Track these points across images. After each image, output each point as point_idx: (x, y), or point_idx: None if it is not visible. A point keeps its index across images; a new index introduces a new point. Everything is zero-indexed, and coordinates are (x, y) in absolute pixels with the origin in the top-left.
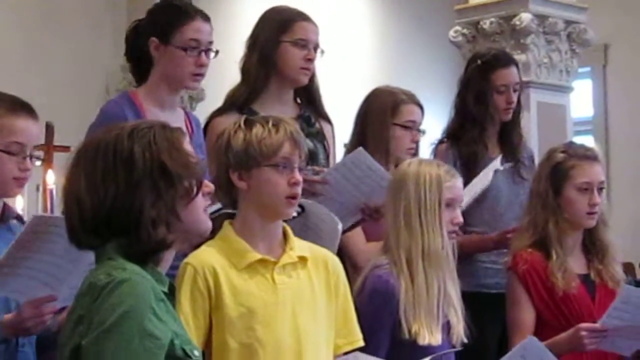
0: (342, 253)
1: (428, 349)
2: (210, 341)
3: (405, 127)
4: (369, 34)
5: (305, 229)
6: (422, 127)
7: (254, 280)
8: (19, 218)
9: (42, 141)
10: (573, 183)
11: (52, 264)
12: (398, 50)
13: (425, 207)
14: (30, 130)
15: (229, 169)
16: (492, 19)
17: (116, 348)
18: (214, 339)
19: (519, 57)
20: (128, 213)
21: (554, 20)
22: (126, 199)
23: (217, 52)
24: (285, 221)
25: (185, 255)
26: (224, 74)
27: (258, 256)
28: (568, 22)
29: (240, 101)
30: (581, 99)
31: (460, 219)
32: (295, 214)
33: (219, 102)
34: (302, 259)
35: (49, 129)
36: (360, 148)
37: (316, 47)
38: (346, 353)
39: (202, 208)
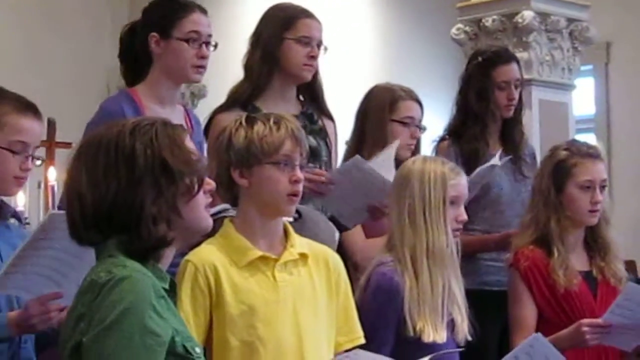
0: (343, 251)
1: (433, 347)
2: (211, 339)
3: (403, 123)
4: (370, 31)
5: (302, 234)
6: (423, 124)
7: (254, 278)
8: (17, 216)
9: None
10: (575, 181)
11: (60, 261)
12: (400, 47)
13: (430, 204)
14: (35, 131)
15: (230, 167)
16: (494, 17)
17: (117, 345)
18: (214, 337)
19: (521, 54)
20: (129, 209)
21: (556, 18)
22: (127, 195)
23: (216, 45)
24: None
25: (183, 253)
26: (225, 71)
27: (259, 253)
28: (570, 20)
29: (243, 98)
30: (583, 97)
31: (465, 217)
32: (291, 219)
33: (220, 99)
34: (303, 256)
35: (51, 124)
36: (357, 156)
37: (319, 44)
38: (347, 350)
39: (203, 205)
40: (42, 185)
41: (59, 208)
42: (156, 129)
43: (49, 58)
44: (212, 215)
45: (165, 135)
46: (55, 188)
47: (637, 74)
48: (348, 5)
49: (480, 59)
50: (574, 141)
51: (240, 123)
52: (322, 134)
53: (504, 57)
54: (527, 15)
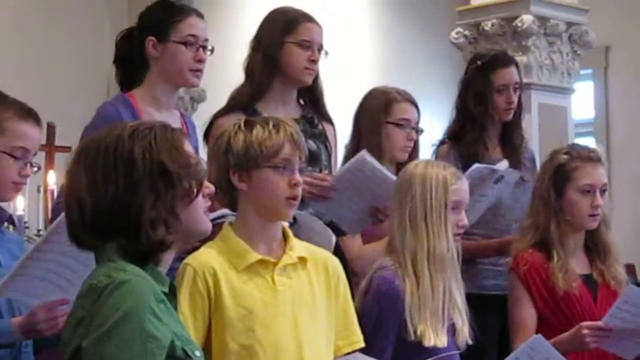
0: (342, 255)
1: (433, 351)
2: (210, 342)
3: (398, 125)
4: (370, 35)
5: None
6: (421, 126)
7: (253, 282)
8: (12, 221)
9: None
10: (575, 185)
11: (67, 267)
12: (399, 51)
13: (431, 209)
14: (36, 137)
15: (229, 170)
16: (494, 21)
17: (116, 349)
18: (213, 340)
19: (521, 58)
20: (128, 213)
21: (556, 22)
22: (126, 199)
23: (212, 49)
24: None
25: (181, 257)
26: (225, 75)
27: (258, 257)
28: (569, 24)
29: (243, 101)
30: (582, 101)
31: (466, 222)
32: (287, 224)
33: (220, 103)
34: (302, 260)
35: (51, 129)
36: (363, 151)
37: (320, 48)
38: (347, 354)
39: (202, 209)
40: (42, 190)
41: (54, 210)
42: (155, 133)
43: (49, 62)
44: (211, 221)
45: (165, 139)
46: (55, 192)
47: (636, 78)
48: (348, 10)
49: (479, 62)
50: (575, 145)
51: (239, 127)
52: (322, 138)
53: (503, 60)
54: (527, 19)
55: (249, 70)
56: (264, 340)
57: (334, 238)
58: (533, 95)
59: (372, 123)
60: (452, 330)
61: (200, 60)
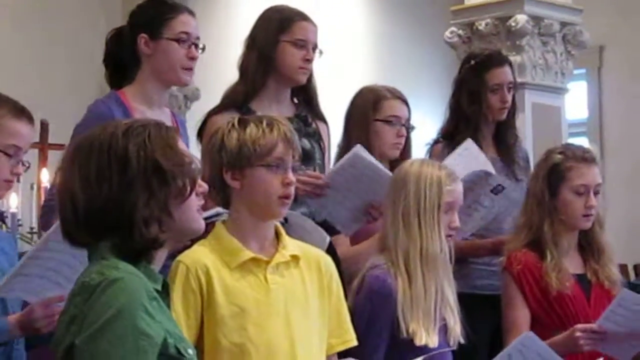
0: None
1: (424, 350)
2: (202, 340)
3: (387, 122)
4: (364, 34)
5: None
6: (413, 123)
7: (246, 280)
8: (1, 217)
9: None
10: (570, 185)
11: (65, 264)
12: (393, 50)
13: (425, 208)
14: (28, 136)
15: (222, 168)
16: (488, 20)
17: (109, 346)
18: (205, 338)
19: (514, 58)
20: (121, 211)
21: (550, 22)
22: (120, 196)
23: (204, 47)
24: None
25: (173, 254)
26: (219, 73)
27: (250, 255)
28: (563, 24)
29: (237, 100)
30: (576, 101)
31: (457, 223)
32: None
33: (213, 102)
34: (295, 258)
35: (44, 126)
36: (357, 147)
37: (315, 47)
38: (340, 353)
39: (195, 207)
40: (35, 187)
41: (43, 208)
42: (149, 131)
43: (42, 60)
44: (206, 219)
45: (159, 137)
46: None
47: (630, 78)
48: (342, 9)
49: (473, 62)
50: (569, 145)
51: (233, 125)
52: (316, 137)
53: (497, 60)
54: (521, 18)
55: (243, 68)
56: (257, 338)
57: (327, 238)
58: (527, 95)
59: (362, 121)
60: (445, 329)
61: (193, 58)
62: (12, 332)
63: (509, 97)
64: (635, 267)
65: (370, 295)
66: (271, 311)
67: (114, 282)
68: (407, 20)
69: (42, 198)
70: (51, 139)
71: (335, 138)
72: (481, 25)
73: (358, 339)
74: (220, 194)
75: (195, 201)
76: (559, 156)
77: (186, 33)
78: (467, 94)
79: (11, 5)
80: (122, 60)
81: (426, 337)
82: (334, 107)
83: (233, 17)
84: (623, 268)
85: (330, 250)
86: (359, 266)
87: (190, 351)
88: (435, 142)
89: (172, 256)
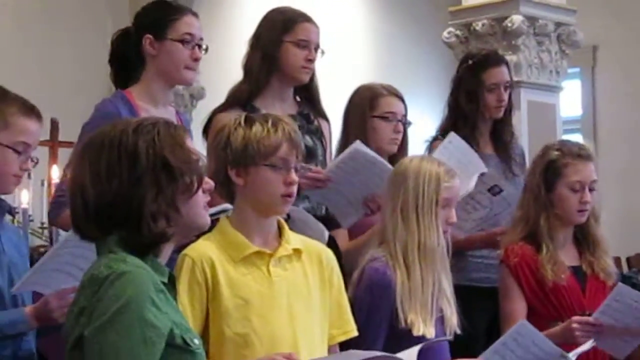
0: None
1: (422, 340)
2: (208, 331)
3: (384, 119)
4: (364, 35)
5: None
6: (410, 119)
7: (250, 272)
8: (11, 212)
9: (45, 137)
10: (565, 181)
11: (79, 257)
12: (393, 50)
13: (423, 203)
14: (37, 133)
15: (227, 165)
16: (485, 21)
17: (117, 337)
18: (210, 329)
19: (510, 57)
20: (130, 205)
21: (544, 22)
22: (129, 192)
23: (207, 48)
24: None
25: (179, 248)
26: (224, 73)
27: (254, 249)
28: (558, 24)
29: (242, 98)
30: (570, 99)
31: (455, 219)
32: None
33: (218, 100)
34: (297, 252)
35: (54, 124)
36: (357, 141)
37: (317, 47)
38: (341, 343)
39: (202, 203)
40: (46, 184)
41: (52, 204)
42: (158, 129)
43: (52, 61)
44: (212, 215)
45: (167, 135)
46: None
47: (623, 77)
48: (342, 9)
49: (470, 62)
50: (566, 141)
51: (239, 123)
52: (318, 134)
53: (494, 60)
54: (516, 19)
55: (247, 67)
56: (260, 329)
57: (326, 233)
58: (522, 93)
59: (359, 117)
60: (442, 320)
61: (196, 59)
62: (29, 323)
63: (506, 96)
64: (628, 259)
65: (370, 287)
66: (274, 303)
67: (122, 275)
68: (405, 20)
69: (53, 194)
70: (61, 137)
71: (336, 135)
72: (478, 25)
73: (358, 329)
74: (225, 189)
75: (201, 197)
76: (556, 153)
77: (190, 34)
78: (465, 93)
79: (18, 7)
80: (127, 60)
81: (424, 327)
82: (335, 105)
83: (237, 17)
84: (616, 260)
85: (332, 244)
86: (359, 259)
87: (196, 341)
88: (434, 139)
89: (178, 250)
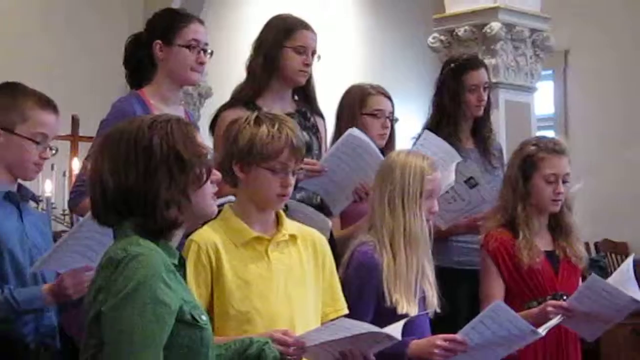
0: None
1: (406, 318)
2: (212, 309)
3: (373, 116)
4: (357, 40)
5: None
6: (397, 116)
7: (250, 256)
8: (34, 198)
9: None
10: (541, 173)
11: (93, 240)
12: (382, 54)
13: (408, 194)
14: (54, 124)
15: (233, 159)
16: (466, 27)
17: (132, 313)
18: (215, 307)
19: (489, 61)
20: (145, 195)
21: (520, 29)
22: (144, 182)
23: (212, 52)
24: None
25: (186, 234)
26: (229, 73)
27: (254, 234)
28: (533, 31)
29: (245, 97)
30: (544, 98)
31: (436, 209)
32: None
33: (224, 99)
34: (293, 237)
35: (75, 121)
36: (352, 129)
37: (314, 52)
38: (332, 320)
39: (210, 193)
40: (67, 174)
41: (71, 194)
42: (171, 125)
43: (73, 63)
44: (218, 206)
45: (179, 130)
46: None
47: (592, 78)
48: (338, 17)
49: (452, 65)
50: (542, 137)
51: (249, 122)
52: (314, 130)
53: (473, 63)
54: (495, 26)
55: (250, 69)
56: (260, 307)
57: (330, 222)
58: (500, 93)
59: (350, 115)
60: (424, 300)
61: (202, 62)
62: (47, 298)
63: (485, 96)
64: (596, 244)
65: (358, 269)
66: (272, 283)
67: (136, 257)
68: (394, 27)
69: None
70: (81, 132)
71: (330, 131)
72: (460, 31)
73: (348, 307)
74: (229, 178)
75: (210, 188)
76: (533, 147)
77: (196, 40)
78: (448, 94)
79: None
80: (139, 63)
81: (407, 306)
82: (329, 103)
83: (243, 23)
84: (586, 245)
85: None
86: (349, 243)
87: (204, 317)
88: (419, 135)
89: (186, 235)
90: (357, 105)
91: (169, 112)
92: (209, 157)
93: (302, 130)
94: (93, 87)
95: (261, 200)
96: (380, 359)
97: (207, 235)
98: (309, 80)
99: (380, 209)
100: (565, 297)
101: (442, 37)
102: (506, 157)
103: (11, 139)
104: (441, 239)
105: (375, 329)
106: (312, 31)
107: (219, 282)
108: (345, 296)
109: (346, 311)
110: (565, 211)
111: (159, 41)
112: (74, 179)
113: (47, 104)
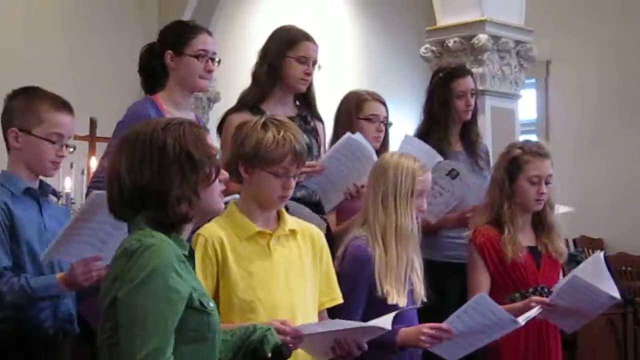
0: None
1: (396, 308)
2: (218, 298)
3: (368, 120)
4: (354, 49)
5: None
6: (391, 121)
7: (253, 249)
8: (55, 193)
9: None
10: (526, 175)
11: (102, 231)
12: (378, 64)
13: (400, 193)
14: (69, 124)
15: (239, 159)
16: (456, 39)
17: (145, 299)
18: (220, 296)
19: (477, 70)
20: (159, 191)
21: (506, 40)
22: (158, 179)
23: (219, 60)
24: None
25: (194, 229)
26: (236, 80)
27: (257, 229)
28: (517, 42)
29: (250, 102)
30: (527, 105)
31: (425, 207)
32: None
33: (231, 103)
34: (293, 232)
35: (93, 123)
36: (348, 133)
37: (315, 62)
38: (328, 309)
39: (218, 191)
40: (85, 172)
41: (90, 187)
42: (184, 127)
43: (92, 68)
44: (225, 203)
45: (191, 133)
46: None
47: (572, 86)
48: (337, 28)
49: (441, 74)
50: (527, 141)
51: (257, 127)
52: (314, 133)
53: (461, 71)
54: (482, 37)
55: (255, 76)
56: (262, 296)
57: (324, 223)
58: (487, 100)
59: (347, 120)
60: (412, 292)
61: (210, 71)
62: (59, 286)
63: (472, 102)
64: (574, 240)
65: (352, 261)
66: (274, 275)
67: (149, 247)
68: (389, 38)
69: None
70: (98, 133)
71: (329, 135)
72: (450, 42)
73: (343, 297)
74: (235, 176)
75: (218, 186)
76: (518, 150)
77: (204, 50)
78: (438, 100)
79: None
80: (153, 71)
81: (397, 297)
82: (328, 108)
83: (251, 33)
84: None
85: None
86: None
87: (212, 304)
88: None
89: (193, 230)
90: (354, 110)
91: (180, 115)
92: (217, 157)
93: (303, 133)
94: (110, 91)
95: (263, 200)
96: (372, 346)
97: (214, 230)
98: (310, 87)
99: (373, 206)
100: (546, 290)
101: (434, 48)
102: (492, 159)
103: (29, 139)
104: (431, 234)
105: (367, 324)
106: (314, 42)
107: (224, 274)
108: (340, 287)
109: (341, 300)
110: (547, 210)
111: (170, 51)
112: (91, 176)
113: (62, 105)
